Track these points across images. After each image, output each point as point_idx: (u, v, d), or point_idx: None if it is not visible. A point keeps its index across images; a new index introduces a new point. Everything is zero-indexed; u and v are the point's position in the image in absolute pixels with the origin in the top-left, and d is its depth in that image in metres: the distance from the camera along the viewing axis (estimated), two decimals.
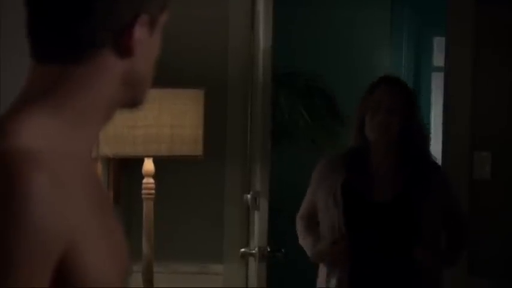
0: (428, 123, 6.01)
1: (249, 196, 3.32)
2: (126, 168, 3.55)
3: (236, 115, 3.59)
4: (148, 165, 3.18)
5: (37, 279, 1.09)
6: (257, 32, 3.41)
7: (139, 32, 1.21)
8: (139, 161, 3.21)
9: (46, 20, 1.20)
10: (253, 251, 3.28)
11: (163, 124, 3.09)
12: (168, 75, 3.55)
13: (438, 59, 5.89)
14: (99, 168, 3.28)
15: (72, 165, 1.16)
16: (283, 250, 3.25)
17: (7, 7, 3.12)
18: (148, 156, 3.16)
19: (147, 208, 3.18)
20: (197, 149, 3.16)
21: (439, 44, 5.87)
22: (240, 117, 3.58)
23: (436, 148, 5.73)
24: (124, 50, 1.21)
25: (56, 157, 1.14)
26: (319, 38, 5.68)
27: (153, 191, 3.18)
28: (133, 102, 1.28)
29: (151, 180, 3.18)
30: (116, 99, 1.24)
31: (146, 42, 1.23)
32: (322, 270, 3.13)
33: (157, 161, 3.19)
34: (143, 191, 3.18)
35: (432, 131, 6.06)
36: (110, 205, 1.29)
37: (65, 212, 1.11)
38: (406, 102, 3.09)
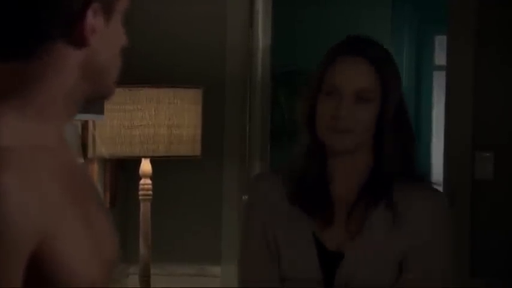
0: (430, 123, 6.02)
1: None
2: (122, 169, 3.55)
3: (234, 115, 3.60)
4: (146, 165, 3.18)
5: (7, 279, 1.10)
6: (256, 30, 3.42)
7: (92, 20, 1.20)
8: (136, 162, 3.21)
9: None
10: None
11: (161, 124, 3.09)
12: (165, 74, 3.56)
13: (440, 57, 5.90)
14: (95, 169, 3.28)
15: (42, 160, 1.17)
16: None
17: None
18: (145, 157, 3.16)
19: (144, 209, 3.18)
20: (195, 149, 3.17)
21: (440, 43, 5.88)
22: (238, 117, 3.59)
23: (438, 148, 5.74)
24: (77, 40, 1.20)
25: (24, 153, 1.14)
26: (320, 36, 5.68)
27: (150, 192, 3.18)
28: (98, 94, 1.27)
29: (149, 181, 3.18)
30: (78, 92, 1.23)
31: (103, 31, 1.22)
32: None
33: (154, 161, 3.19)
34: (140, 192, 3.19)
35: (434, 130, 6.08)
36: (93, 196, 1.29)
37: (34, 209, 1.11)
38: (385, 84, 1.93)
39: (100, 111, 2.89)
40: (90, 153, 3.06)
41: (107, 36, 1.23)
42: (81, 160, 3.05)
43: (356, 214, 1.95)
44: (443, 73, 4.28)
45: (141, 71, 3.41)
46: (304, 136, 2.00)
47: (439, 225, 1.96)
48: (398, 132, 1.95)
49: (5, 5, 1.18)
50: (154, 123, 3.08)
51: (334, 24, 5.70)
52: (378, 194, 1.94)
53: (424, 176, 2.01)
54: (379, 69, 1.93)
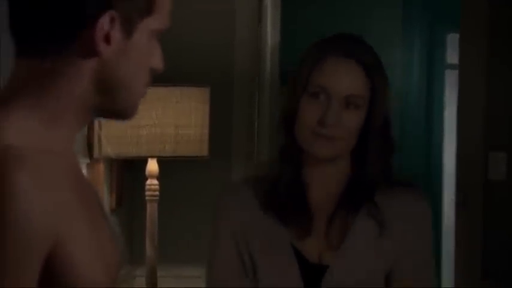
0: (442, 123, 6.00)
1: None
2: (128, 169, 3.54)
3: (243, 114, 3.58)
4: (152, 166, 3.17)
5: (24, 279, 1.10)
6: (264, 27, 3.40)
7: (108, 29, 1.17)
8: (142, 162, 3.20)
9: (18, 13, 1.20)
10: None
11: (168, 123, 3.09)
12: (172, 73, 3.54)
13: (452, 56, 5.87)
14: (101, 169, 3.27)
15: (55, 162, 1.17)
16: None
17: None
18: (152, 157, 3.15)
19: (151, 210, 3.17)
20: (202, 149, 3.16)
21: (452, 41, 5.85)
22: (246, 116, 3.57)
23: (450, 148, 5.72)
24: (89, 48, 1.18)
25: (37, 154, 1.15)
26: (329, 35, 5.65)
27: (157, 193, 3.17)
28: (116, 112, 1.24)
29: (155, 182, 3.17)
30: (91, 105, 1.22)
31: (123, 44, 1.19)
32: None
33: (161, 161, 3.18)
34: (147, 193, 3.18)
35: (446, 131, 6.05)
36: (97, 201, 1.30)
37: (49, 207, 1.12)
38: (376, 90, 1.86)
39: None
40: (96, 153, 3.05)
41: (128, 51, 1.20)
42: (87, 160, 3.04)
43: (336, 223, 1.85)
44: (456, 72, 4.25)
45: None
46: (280, 138, 1.89)
47: (424, 229, 1.90)
48: (384, 140, 1.87)
49: (26, 2, 1.18)
50: (161, 123, 3.07)
51: (344, 22, 5.68)
52: (359, 201, 1.86)
53: (402, 180, 1.93)
54: (371, 75, 1.84)
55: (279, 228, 1.86)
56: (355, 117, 1.83)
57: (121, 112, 1.25)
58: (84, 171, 2.90)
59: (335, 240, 1.85)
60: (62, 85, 1.19)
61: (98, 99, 1.21)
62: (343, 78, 1.83)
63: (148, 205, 3.17)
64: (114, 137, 3.04)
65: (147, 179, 3.18)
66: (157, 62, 1.25)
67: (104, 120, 2.97)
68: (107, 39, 1.18)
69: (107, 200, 3.32)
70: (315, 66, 1.84)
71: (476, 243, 3.66)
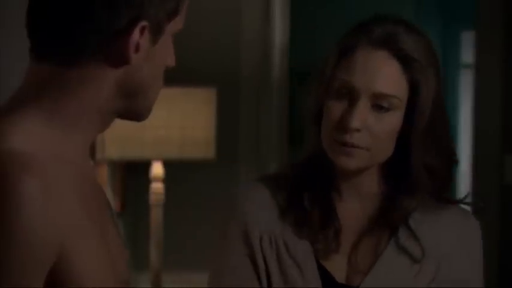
0: (456, 125, 5.98)
1: None
2: (132, 172, 3.54)
3: (250, 115, 3.58)
4: (157, 169, 3.18)
5: (28, 284, 1.11)
6: (272, 26, 3.39)
7: (138, 39, 1.20)
8: (146, 165, 3.20)
9: (41, 17, 1.22)
10: None
11: (173, 125, 3.09)
12: (177, 73, 3.54)
13: (467, 55, 5.86)
14: (105, 172, 3.27)
15: (64, 170, 1.18)
16: None
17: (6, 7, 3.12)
18: (157, 160, 3.15)
19: (156, 214, 3.17)
20: (209, 152, 3.16)
21: (467, 39, 5.83)
22: (254, 117, 3.57)
23: (465, 151, 5.70)
24: (119, 57, 1.20)
25: (48, 161, 1.16)
26: (340, 34, 5.66)
27: (162, 197, 3.18)
28: (134, 114, 1.27)
29: (160, 185, 3.18)
30: (111, 109, 1.24)
31: (148, 50, 1.22)
32: None
33: (166, 164, 3.18)
34: (151, 197, 3.18)
35: (461, 133, 6.04)
36: (108, 210, 1.30)
37: (56, 217, 1.13)
38: (416, 87, 1.60)
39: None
40: (99, 156, 3.05)
41: (152, 56, 1.23)
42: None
43: (367, 242, 1.63)
44: (470, 71, 4.24)
45: None
46: (311, 138, 1.65)
47: (474, 255, 1.65)
48: (431, 149, 1.60)
49: (56, 8, 1.20)
50: (166, 125, 3.08)
51: (355, 21, 5.67)
52: (396, 221, 1.62)
53: (450, 197, 1.66)
54: (410, 68, 1.57)
55: (300, 238, 1.63)
56: (388, 122, 1.57)
57: (138, 114, 1.28)
58: None
59: (365, 260, 1.63)
60: (84, 91, 1.21)
61: (119, 104, 1.24)
62: (373, 74, 1.56)
63: (152, 209, 3.18)
64: (118, 139, 3.04)
65: (150, 182, 3.19)
66: (171, 59, 1.29)
67: None
68: (137, 48, 1.20)
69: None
70: (340, 59, 1.60)
71: (492, 251, 3.65)
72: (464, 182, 5.64)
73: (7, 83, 3.13)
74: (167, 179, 3.20)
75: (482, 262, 1.66)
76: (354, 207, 1.65)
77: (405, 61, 1.57)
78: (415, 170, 1.59)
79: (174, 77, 3.78)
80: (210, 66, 3.59)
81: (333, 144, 1.58)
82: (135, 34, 1.20)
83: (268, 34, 3.47)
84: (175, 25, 1.26)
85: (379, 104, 1.57)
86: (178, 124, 3.10)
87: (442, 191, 1.63)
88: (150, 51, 1.22)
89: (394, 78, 1.57)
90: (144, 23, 1.20)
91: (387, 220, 1.62)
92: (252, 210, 1.65)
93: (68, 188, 1.16)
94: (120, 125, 2.98)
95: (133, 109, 1.26)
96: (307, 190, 1.64)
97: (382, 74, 1.56)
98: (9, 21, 3.08)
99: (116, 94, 1.23)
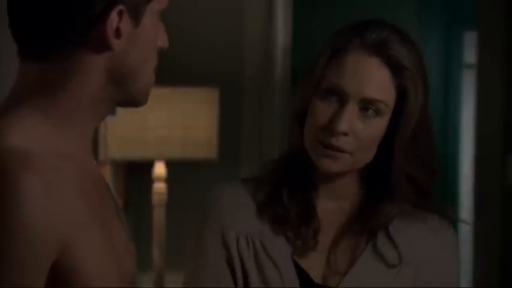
0: (458, 125, 5.99)
1: None
2: (134, 172, 3.55)
3: (252, 115, 3.59)
4: (160, 169, 3.19)
5: (29, 281, 1.12)
6: (275, 26, 3.40)
7: (117, 23, 1.19)
8: (148, 165, 3.21)
9: (20, 16, 1.22)
10: None
11: (175, 125, 3.10)
12: (179, 73, 3.55)
13: (469, 55, 5.87)
14: (107, 172, 3.28)
15: (64, 166, 1.18)
16: None
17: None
18: (159, 160, 3.16)
19: (158, 215, 3.18)
20: (211, 152, 3.16)
21: (470, 39, 5.84)
22: (256, 117, 3.57)
23: (467, 151, 5.71)
24: (100, 44, 1.20)
25: (48, 158, 1.16)
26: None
27: (164, 197, 3.18)
28: (129, 99, 1.27)
29: (163, 185, 3.18)
30: (104, 97, 1.24)
31: (132, 33, 1.21)
32: None
33: (168, 164, 3.19)
34: (154, 197, 3.19)
35: (463, 132, 6.05)
36: (112, 205, 1.30)
37: (56, 213, 1.13)
38: (404, 94, 1.60)
39: (112, 111, 2.89)
40: (101, 156, 3.06)
41: (136, 39, 1.22)
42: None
43: (346, 243, 1.63)
44: (473, 72, 4.25)
45: None
46: (293, 137, 1.64)
47: (449, 267, 1.65)
48: (413, 158, 1.61)
49: (31, 5, 1.20)
50: (168, 125, 3.08)
51: (359, 20, 5.67)
52: (375, 226, 1.62)
53: (432, 203, 1.66)
54: (400, 75, 1.58)
55: (277, 237, 1.62)
56: (374, 127, 1.58)
57: (134, 99, 1.27)
58: None
59: (342, 261, 1.63)
60: (74, 83, 1.21)
61: (111, 91, 1.23)
62: (363, 78, 1.57)
63: (155, 209, 3.18)
64: (121, 139, 3.05)
65: (152, 183, 3.19)
66: (162, 40, 1.27)
67: (110, 122, 2.98)
68: (117, 33, 1.20)
69: None
70: (331, 60, 1.60)
71: (493, 252, 3.66)
72: (466, 182, 5.65)
73: (7, 83, 3.15)
74: (169, 179, 3.20)
75: (459, 271, 1.66)
76: (333, 207, 1.64)
77: (396, 68, 1.58)
78: (395, 178, 1.60)
79: (176, 77, 3.80)
80: (213, 66, 3.60)
81: (316, 146, 1.58)
82: (112, 18, 1.19)
83: (270, 34, 3.48)
84: (158, 4, 1.24)
85: (366, 108, 1.57)
86: (181, 124, 3.11)
87: (422, 201, 1.64)
88: (132, 35, 1.21)
89: (384, 84, 1.58)
90: (120, 7, 1.19)
91: (366, 224, 1.62)
92: (228, 211, 1.64)
93: (68, 185, 1.17)
94: (122, 125, 3.00)
95: (127, 95, 1.25)
96: (287, 186, 1.63)
97: (373, 80, 1.57)
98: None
99: (106, 82, 1.22)
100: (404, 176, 1.60)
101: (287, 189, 1.63)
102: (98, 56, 1.20)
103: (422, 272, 1.62)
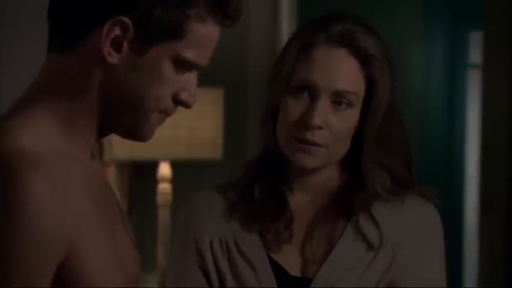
0: (464, 125, 6.00)
1: None
2: (139, 173, 3.56)
3: (257, 116, 3.59)
4: (165, 169, 3.19)
5: (35, 282, 1.13)
6: (280, 26, 3.42)
7: (117, 35, 1.19)
8: (153, 165, 3.22)
9: (51, 11, 1.25)
10: None
11: (180, 126, 3.10)
12: None
13: (474, 55, 5.88)
14: (112, 173, 3.29)
15: (72, 168, 1.20)
16: None
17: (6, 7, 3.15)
18: (164, 160, 3.17)
19: (163, 215, 3.19)
20: (216, 152, 3.17)
21: (475, 39, 5.85)
22: None
23: (473, 151, 5.72)
24: (94, 51, 1.20)
25: (56, 160, 1.17)
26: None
27: (169, 197, 3.19)
28: (123, 127, 1.26)
29: (168, 186, 3.19)
30: (102, 111, 1.24)
31: (134, 58, 1.21)
32: None
33: (173, 165, 3.20)
34: (159, 197, 3.19)
35: (468, 132, 6.06)
36: (116, 209, 1.31)
37: (64, 214, 1.14)
38: (373, 85, 1.63)
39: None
40: (106, 156, 3.08)
41: (139, 68, 1.21)
42: None
43: (321, 233, 1.63)
44: (479, 71, 4.26)
45: None
46: (266, 135, 1.67)
47: (431, 247, 1.64)
48: (384, 148, 1.62)
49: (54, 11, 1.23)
50: (173, 125, 3.09)
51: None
52: (349, 210, 1.63)
53: (415, 187, 1.66)
54: (368, 65, 1.60)
55: (250, 234, 1.63)
56: (348, 119, 1.60)
57: (130, 131, 1.26)
58: None
59: (319, 250, 1.62)
60: (75, 91, 1.22)
61: (102, 110, 1.23)
62: (333, 71, 1.58)
63: (160, 210, 3.19)
64: (125, 140, 3.06)
65: (157, 183, 3.20)
66: (186, 96, 1.29)
67: None
68: (116, 45, 1.20)
69: None
70: (299, 55, 1.61)
71: (499, 251, 3.66)
72: (471, 182, 5.66)
73: (7, 83, 3.14)
74: (174, 180, 3.21)
75: (442, 250, 1.65)
76: (306, 199, 1.65)
77: (363, 58, 1.60)
78: (365, 166, 1.61)
79: None
80: (218, 67, 3.60)
81: (291, 142, 1.59)
82: (109, 26, 1.19)
83: (275, 35, 3.49)
84: (181, 51, 1.24)
85: (338, 100, 1.59)
86: (186, 124, 3.11)
87: (403, 187, 1.64)
88: (137, 62, 1.21)
89: (353, 75, 1.60)
90: (124, 18, 1.19)
91: (344, 209, 1.62)
92: (201, 217, 1.66)
93: (76, 186, 1.18)
94: None
95: (121, 122, 1.24)
96: (259, 183, 1.65)
97: (342, 72, 1.59)
98: (9, 22, 3.10)
99: (98, 96, 1.22)
100: (376, 165, 1.62)
101: (259, 186, 1.65)
102: (93, 62, 1.21)
103: (401, 252, 1.61)
